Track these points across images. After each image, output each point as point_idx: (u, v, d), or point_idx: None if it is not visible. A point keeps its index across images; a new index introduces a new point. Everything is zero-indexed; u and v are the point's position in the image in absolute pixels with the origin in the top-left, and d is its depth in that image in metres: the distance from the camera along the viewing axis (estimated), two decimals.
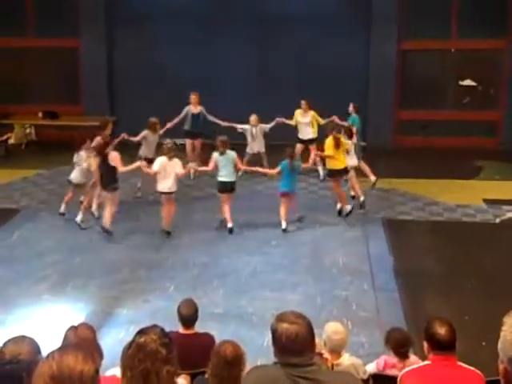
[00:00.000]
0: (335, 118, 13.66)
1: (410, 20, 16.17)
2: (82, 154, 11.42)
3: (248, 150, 13.90)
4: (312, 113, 13.85)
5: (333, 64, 16.05)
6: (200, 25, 16.41)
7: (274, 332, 3.30)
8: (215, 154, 11.06)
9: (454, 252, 10.20)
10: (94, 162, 11.02)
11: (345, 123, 13.26)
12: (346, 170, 11.80)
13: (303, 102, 13.86)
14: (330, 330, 5.43)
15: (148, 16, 16.45)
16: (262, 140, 13.75)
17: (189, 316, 5.65)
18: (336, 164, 11.58)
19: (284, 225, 11.05)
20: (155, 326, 3.24)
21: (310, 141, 13.80)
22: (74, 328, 4.55)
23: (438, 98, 16.74)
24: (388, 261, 9.90)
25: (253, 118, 13.62)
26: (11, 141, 16.52)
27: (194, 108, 13.88)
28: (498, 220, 11.72)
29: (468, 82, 16.59)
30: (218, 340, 5.07)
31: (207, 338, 5.51)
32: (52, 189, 13.39)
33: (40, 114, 16.54)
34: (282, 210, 11.12)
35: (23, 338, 3.32)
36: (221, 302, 8.53)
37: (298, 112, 13.96)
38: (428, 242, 10.67)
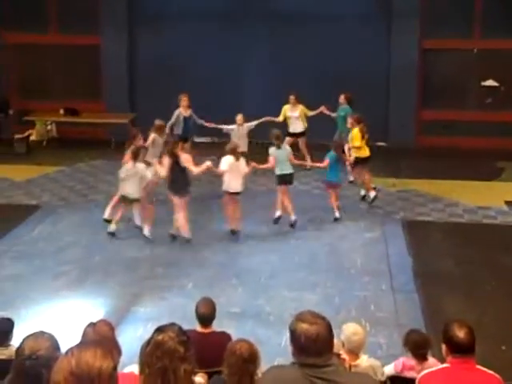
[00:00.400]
0: (324, 109, 14.06)
1: (431, 19, 16.05)
2: (139, 165, 10.60)
3: None
4: (300, 106, 14.11)
5: (354, 63, 15.99)
6: (221, 23, 16.41)
7: (293, 332, 3.28)
8: (272, 149, 11.15)
9: (474, 254, 10.12)
10: (161, 168, 10.47)
11: (332, 114, 13.94)
12: (370, 159, 12.33)
13: (292, 97, 14.07)
14: (348, 331, 5.41)
15: (168, 14, 16.47)
16: (246, 140, 13.68)
17: (207, 315, 5.65)
18: (363, 152, 12.16)
19: (337, 214, 11.40)
20: (173, 323, 3.24)
21: (300, 134, 14.17)
22: (92, 324, 4.57)
23: (461, 97, 16.61)
24: (407, 262, 9.85)
25: (239, 117, 13.48)
26: (32, 137, 16.63)
27: (184, 111, 13.69)
28: None
29: (490, 83, 16.44)
30: (234, 339, 5.06)
31: (224, 337, 5.50)
32: (72, 186, 13.49)
33: (61, 111, 16.65)
34: (333, 200, 11.49)
35: (42, 333, 3.34)
36: (239, 301, 8.53)
37: (286, 107, 14.18)
38: (448, 244, 10.60)
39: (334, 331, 3.38)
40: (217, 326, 5.83)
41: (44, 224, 11.33)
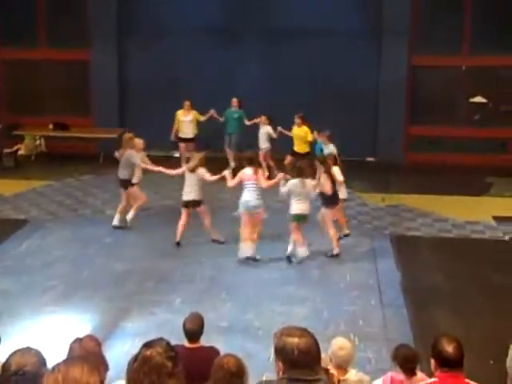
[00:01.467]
0: (213, 113, 15.01)
1: (421, 36, 16.21)
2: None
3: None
4: (193, 112, 15.01)
5: (344, 79, 16.11)
6: (212, 38, 16.52)
7: (283, 347, 3.25)
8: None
9: (463, 269, 10.14)
10: (325, 181, 10.34)
11: (221, 118, 14.97)
12: None
13: (187, 103, 14.89)
14: (336, 345, 5.39)
15: (159, 29, 16.54)
16: None
17: (194, 330, 5.62)
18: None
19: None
20: (161, 339, 3.22)
21: (191, 139, 15.11)
22: (78, 340, 4.54)
23: (449, 114, 16.74)
24: (396, 277, 9.85)
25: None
26: (21, 152, 16.61)
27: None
28: (507, 237, 11.66)
29: (479, 99, 16.56)
30: (223, 353, 5.04)
31: (212, 352, 5.47)
32: (61, 200, 13.45)
33: (50, 126, 16.65)
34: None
35: (29, 349, 3.32)
36: (227, 316, 8.49)
37: (179, 112, 15.01)
38: (436, 259, 10.62)
39: (323, 346, 3.37)
40: (205, 341, 5.80)
41: (32, 239, 11.27)
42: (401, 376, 5.38)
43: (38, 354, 3.27)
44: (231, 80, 16.48)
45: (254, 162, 10.50)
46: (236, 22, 16.47)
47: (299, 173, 10.19)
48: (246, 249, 10.19)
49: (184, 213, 10.85)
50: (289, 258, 10.36)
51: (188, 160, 11.80)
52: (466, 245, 11.31)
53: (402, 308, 8.81)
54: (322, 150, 12.54)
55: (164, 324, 8.01)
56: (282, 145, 14.38)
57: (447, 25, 16.15)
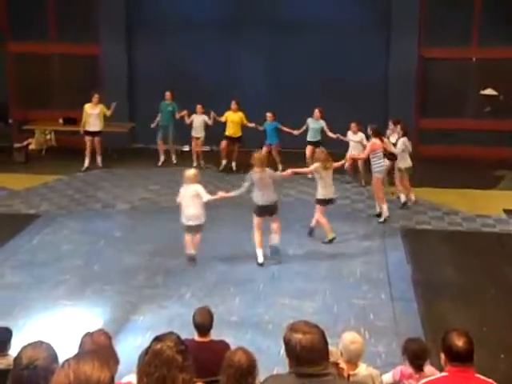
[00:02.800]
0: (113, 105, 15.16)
1: (430, 28, 16.12)
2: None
3: None
4: (100, 106, 15.14)
5: (353, 72, 16.08)
6: (221, 31, 16.49)
7: (288, 342, 3.28)
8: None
9: (473, 262, 10.11)
10: None
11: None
12: None
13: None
14: (346, 340, 5.40)
15: (168, 23, 16.53)
16: None
17: (204, 323, 5.64)
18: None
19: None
20: (171, 333, 3.24)
21: (97, 133, 15.20)
22: (89, 334, 4.56)
23: (460, 106, 16.67)
24: (406, 270, 9.84)
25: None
26: (32, 146, 16.67)
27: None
28: None
29: (489, 92, 16.47)
30: (233, 348, 5.05)
31: (222, 346, 5.49)
32: (71, 194, 13.50)
33: (60, 120, 16.68)
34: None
35: (41, 343, 3.33)
36: (237, 310, 8.51)
37: (86, 106, 15.06)
38: (447, 252, 10.59)
39: (333, 340, 3.38)
40: (216, 335, 5.81)
41: (43, 233, 11.33)
42: (410, 370, 5.39)
43: (49, 348, 3.29)
44: (238, 73, 16.49)
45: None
46: (245, 14, 16.44)
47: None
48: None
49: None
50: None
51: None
52: (477, 238, 11.28)
53: (413, 302, 8.80)
54: (274, 132, 14.33)
55: (174, 318, 8.04)
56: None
57: (457, 16, 16.07)
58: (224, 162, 15.21)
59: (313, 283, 9.34)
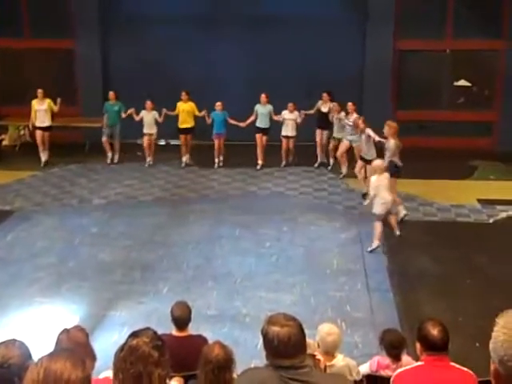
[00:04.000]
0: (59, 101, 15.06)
1: (405, 20, 16.18)
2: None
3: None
4: (47, 100, 15.04)
5: (328, 65, 16.09)
6: (197, 26, 16.40)
7: (265, 335, 3.29)
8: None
9: (449, 252, 10.20)
10: None
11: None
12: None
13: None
14: (323, 331, 5.42)
15: (143, 17, 16.41)
16: None
17: (182, 318, 5.64)
18: None
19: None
20: (148, 328, 3.23)
21: (47, 128, 15.16)
22: (66, 331, 4.53)
23: (434, 98, 16.77)
24: (382, 261, 9.91)
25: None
26: (5, 142, 16.48)
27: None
28: (491, 220, 11.74)
29: (463, 83, 16.60)
30: (211, 342, 5.05)
31: (200, 340, 5.49)
32: (46, 190, 13.38)
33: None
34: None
35: (14, 341, 3.30)
36: (215, 304, 8.52)
37: (34, 101, 15.01)
38: (422, 242, 10.67)
39: (310, 332, 3.39)
40: (194, 329, 5.82)
41: (18, 230, 11.22)
42: (387, 360, 5.43)
43: (22, 346, 3.26)
44: (215, 69, 16.45)
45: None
46: (220, 9, 16.39)
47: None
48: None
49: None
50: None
51: None
52: (452, 228, 11.38)
53: (389, 292, 8.87)
54: (223, 122, 14.57)
55: (152, 313, 8.03)
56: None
57: (431, 8, 16.15)
58: (184, 158, 15.07)
59: (289, 276, 9.37)
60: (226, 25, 16.41)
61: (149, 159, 15.07)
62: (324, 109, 14.61)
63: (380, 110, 16.11)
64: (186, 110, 14.83)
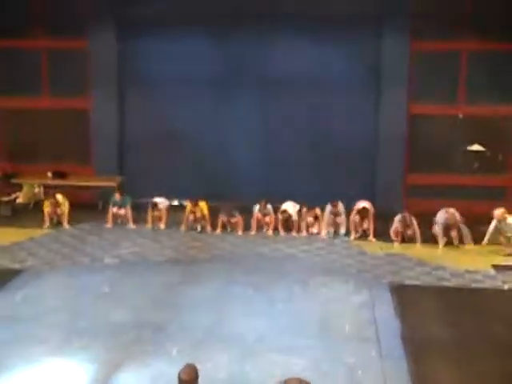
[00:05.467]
0: None
1: (419, 85, 16.35)
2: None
3: None
4: None
5: (343, 129, 16.22)
6: (210, 89, 16.67)
7: None
8: None
9: (463, 319, 10.03)
10: None
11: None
12: None
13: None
14: None
15: (158, 79, 16.70)
16: None
17: (189, 382, 5.52)
18: None
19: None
20: None
21: None
22: None
23: (447, 162, 16.80)
24: (395, 327, 9.73)
25: None
26: (19, 200, 16.59)
27: None
28: (506, 286, 11.57)
29: (476, 147, 16.64)
30: None
31: None
32: (58, 248, 13.38)
33: (49, 174, 16.66)
34: None
35: None
36: (224, 367, 8.34)
37: None
38: (436, 308, 10.51)
39: None
40: None
41: (27, 288, 11.16)
42: None
43: None
44: (228, 130, 16.63)
45: None
46: (234, 71, 16.63)
47: None
48: None
49: None
50: None
51: None
52: (466, 294, 11.22)
53: (402, 359, 8.65)
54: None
55: (160, 376, 7.88)
56: None
57: (444, 74, 16.33)
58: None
59: (301, 339, 9.20)
60: (239, 86, 16.59)
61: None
62: None
63: (394, 173, 16.16)
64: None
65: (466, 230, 13.79)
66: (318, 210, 14.47)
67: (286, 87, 16.44)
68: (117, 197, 15.16)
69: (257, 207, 14.51)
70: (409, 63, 16.22)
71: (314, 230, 14.50)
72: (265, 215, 14.58)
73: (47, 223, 14.93)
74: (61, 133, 17.35)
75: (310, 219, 14.40)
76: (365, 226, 14.18)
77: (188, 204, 14.78)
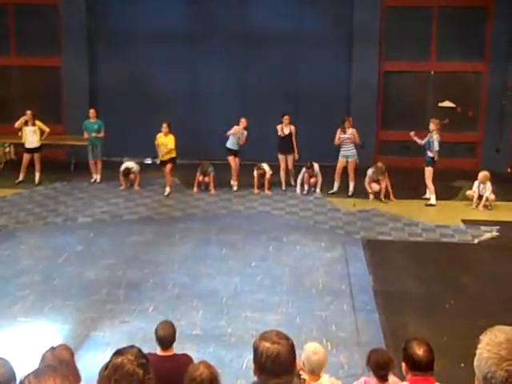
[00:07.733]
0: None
1: (390, 42, 16.35)
2: None
3: None
4: (38, 122, 14.95)
5: (315, 85, 16.20)
6: (183, 42, 16.53)
7: (255, 350, 3.26)
8: None
9: (434, 272, 10.24)
10: None
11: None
12: None
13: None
14: (308, 350, 5.39)
15: (129, 34, 16.48)
16: None
17: (166, 337, 5.59)
18: None
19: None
20: (132, 346, 3.19)
21: (36, 149, 15.04)
22: (52, 349, 4.49)
23: (419, 118, 16.89)
24: (368, 281, 9.90)
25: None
26: None
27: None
28: (476, 240, 11.79)
29: (447, 104, 16.74)
30: (196, 361, 5.02)
31: (185, 360, 5.45)
32: (31, 208, 13.30)
33: (19, 133, 16.43)
34: None
35: None
36: (200, 323, 8.46)
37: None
38: (408, 262, 10.71)
39: (296, 352, 3.36)
40: (178, 349, 5.76)
41: (1, 248, 11.13)
42: (374, 381, 5.40)
43: (6, 364, 3.23)
44: (201, 85, 16.51)
45: None
46: (208, 25, 16.47)
47: None
48: None
49: None
50: None
51: None
52: (437, 248, 11.42)
53: (374, 312, 8.85)
54: None
55: (136, 332, 7.96)
56: None
57: (416, 31, 16.33)
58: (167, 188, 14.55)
59: (275, 296, 9.34)
60: (213, 40, 16.48)
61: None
62: (286, 131, 14.54)
63: (366, 129, 16.23)
64: (164, 144, 14.15)
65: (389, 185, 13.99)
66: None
67: (259, 42, 16.35)
68: (91, 114, 14.91)
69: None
70: (380, 18, 16.19)
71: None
72: (205, 175, 14.60)
73: (21, 177, 14.84)
74: (32, 91, 17.09)
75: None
76: (382, 185, 14.14)
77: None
